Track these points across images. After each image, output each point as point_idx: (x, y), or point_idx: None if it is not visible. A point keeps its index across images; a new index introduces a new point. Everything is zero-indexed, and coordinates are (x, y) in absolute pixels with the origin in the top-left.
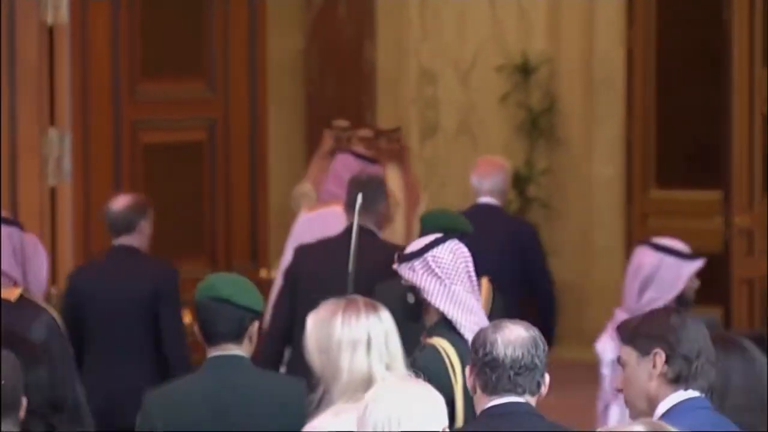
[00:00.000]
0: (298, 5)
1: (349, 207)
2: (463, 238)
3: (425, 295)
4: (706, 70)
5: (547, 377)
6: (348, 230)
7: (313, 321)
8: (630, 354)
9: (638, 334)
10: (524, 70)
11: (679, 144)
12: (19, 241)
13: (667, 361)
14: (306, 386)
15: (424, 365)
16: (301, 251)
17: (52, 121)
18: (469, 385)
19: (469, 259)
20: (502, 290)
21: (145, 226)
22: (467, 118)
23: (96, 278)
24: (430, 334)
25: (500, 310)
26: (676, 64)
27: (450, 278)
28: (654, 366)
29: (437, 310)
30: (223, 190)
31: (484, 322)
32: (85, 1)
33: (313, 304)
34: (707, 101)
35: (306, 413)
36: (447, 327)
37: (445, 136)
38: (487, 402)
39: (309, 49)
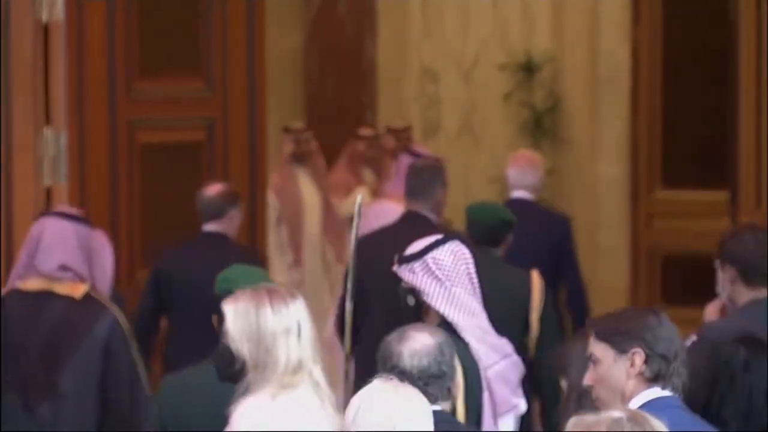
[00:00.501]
0: (297, 3)
1: (409, 194)
2: (509, 229)
3: (425, 298)
4: (713, 69)
5: (459, 379)
6: (403, 218)
7: (235, 310)
8: (606, 352)
9: (615, 332)
10: (528, 69)
11: (686, 144)
12: (87, 237)
13: (645, 361)
14: None
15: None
16: (361, 242)
17: (48, 120)
18: None
19: (470, 260)
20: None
21: (235, 215)
22: (469, 117)
23: (184, 262)
24: None
25: (549, 304)
26: (681, 63)
27: (450, 280)
28: (632, 365)
29: (437, 312)
30: None
31: (485, 324)
32: None
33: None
34: (713, 101)
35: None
36: (447, 330)
37: (447, 136)
38: None
39: (309, 48)
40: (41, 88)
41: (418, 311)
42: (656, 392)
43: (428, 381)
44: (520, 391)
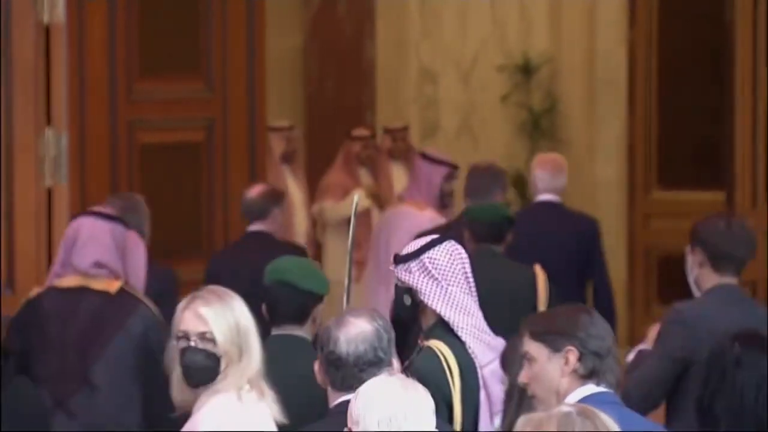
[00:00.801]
0: (297, 4)
1: (470, 195)
2: (510, 225)
3: (422, 297)
4: (709, 70)
5: (395, 365)
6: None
7: (215, 310)
8: (540, 350)
9: (549, 331)
10: (525, 70)
11: (682, 144)
12: (121, 236)
13: (579, 358)
14: None
15: (422, 368)
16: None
17: (49, 120)
18: (320, 381)
19: (467, 260)
20: (566, 285)
21: (278, 214)
22: (468, 118)
23: (231, 262)
24: (427, 337)
25: (555, 298)
26: (678, 64)
27: (447, 280)
28: (566, 363)
29: (434, 312)
30: (221, 191)
31: (481, 323)
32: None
33: None
34: (710, 101)
35: None
36: (444, 329)
37: (446, 136)
38: (337, 398)
39: (308, 48)
40: (42, 88)
41: (414, 310)
42: (591, 389)
43: (363, 367)
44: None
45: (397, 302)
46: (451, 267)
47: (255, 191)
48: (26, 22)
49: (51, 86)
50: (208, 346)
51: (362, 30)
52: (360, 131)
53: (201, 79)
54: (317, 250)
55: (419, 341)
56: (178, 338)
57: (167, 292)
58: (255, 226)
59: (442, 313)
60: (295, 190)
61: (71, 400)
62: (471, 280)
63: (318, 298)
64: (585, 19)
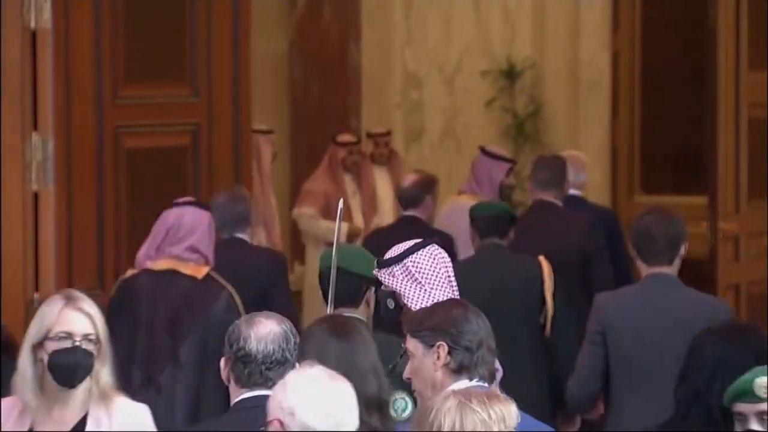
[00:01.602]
0: (282, 8)
1: (539, 185)
2: (513, 221)
3: (405, 301)
4: (691, 76)
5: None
6: (534, 208)
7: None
8: (416, 346)
9: (423, 327)
10: (509, 75)
11: (665, 149)
12: (211, 224)
13: (449, 353)
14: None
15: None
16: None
17: (35, 125)
18: (223, 376)
19: (450, 264)
20: (590, 278)
21: (431, 201)
22: (452, 122)
23: (385, 243)
24: None
25: (559, 289)
26: (661, 70)
27: (430, 283)
28: (438, 357)
29: None
30: (207, 195)
31: None
32: (68, 5)
33: None
34: (692, 107)
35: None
36: None
37: (430, 141)
38: (239, 394)
39: (293, 53)
40: (29, 93)
41: (398, 314)
42: (464, 383)
43: (270, 366)
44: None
45: (381, 306)
46: (434, 270)
47: (409, 180)
48: (13, 28)
49: (37, 91)
50: (90, 347)
51: (347, 35)
52: (345, 137)
53: (186, 84)
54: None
55: (402, 345)
56: (59, 338)
57: None
58: (409, 212)
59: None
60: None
61: (160, 378)
62: (454, 283)
63: (369, 282)
64: (568, 24)
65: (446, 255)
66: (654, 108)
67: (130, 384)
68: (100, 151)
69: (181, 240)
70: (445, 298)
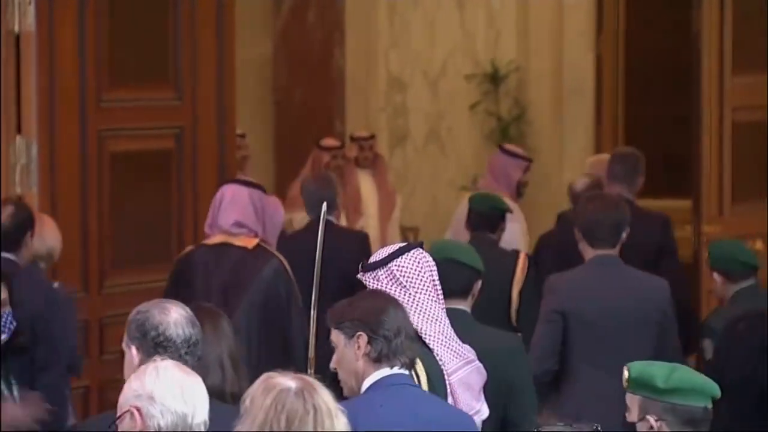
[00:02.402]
0: (266, 12)
1: (613, 179)
2: (503, 216)
3: None
4: (676, 79)
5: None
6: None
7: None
8: (339, 337)
9: (344, 319)
10: (494, 79)
11: (649, 153)
12: (260, 199)
13: (369, 342)
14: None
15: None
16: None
17: (19, 129)
18: (136, 365)
19: (434, 268)
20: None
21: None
22: (436, 126)
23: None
24: None
25: (531, 281)
26: (645, 73)
27: (415, 288)
28: (358, 347)
29: None
30: (191, 199)
31: (449, 330)
32: (52, 8)
33: None
34: (676, 110)
35: (525, 364)
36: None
37: (414, 144)
38: None
39: (277, 57)
40: (13, 97)
41: None
42: (385, 372)
43: (189, 350)
44: (482, 396)
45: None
46: (419, 275)
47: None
48: None
49: (21, 95)
50: None
51: (331, 38)
52: (329, 141)
53: (170, 88)
54: None
55: None
56: None
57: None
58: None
59: (411, 321)
60: None
61: None
62: (438, 287)
63: (479, 274)
64: (553, 28)
65: (430, 259)
66: (638, 111)
67: None
68: (84, 154)
69: (226, 215)
70: (429, 303)
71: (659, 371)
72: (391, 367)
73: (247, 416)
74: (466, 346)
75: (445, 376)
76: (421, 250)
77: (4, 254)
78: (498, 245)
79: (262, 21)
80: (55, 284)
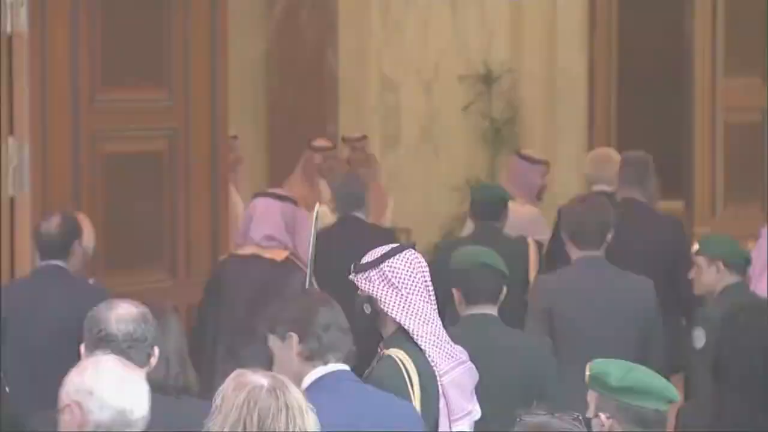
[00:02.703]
0: (259, 13)
1: (626, 183)
2: (505, 205)
3: (382, 306)
4: (669, 80)
5: (156, 349)
6: (622, 204)
7: None
8: (274, 341)
9: (276, 322)
10: (486, 80)
11: None
12: (291, 213)
13: (300, 341)
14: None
15: (381, 376)
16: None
17: (11, 130)
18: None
19: (426, 269)
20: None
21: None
22: (429, 127)
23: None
24: (387, 345)
25: (544, 266)
26: (638, 75)
27: (407, 288)
28: (291, 348)
29: (393, 320)
30: (184, 200)
31: (440, 332)
32: (45, 9)
33: None
34: (669, 111)
35: (551, 366)
36: (404, 337)
37: (407, 145)
38: None
39: (270, 57)
40: (5, 98)
41: (374, 319)
42: (319, 371)
43: (132, 345)
44: (474, 397)
45: (357, 311)
46: (411, 276)
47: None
48: None
49: (13, 96)
50: None
51: (324, 39)
52: (321, 142)
53: (163, 89)
54: None
55: (379, 349)
56: None
57: None
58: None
59: (402, 322)
60: (237, 199)
61: (241, 351)
62: (431, 288)
63: (506, 279)
64: (545, 29)
65: (422, 260)
66: (630, 112)
67: (215, 358)
68: (76, 155)
69: (257, 228)
70: (421, 303)
71: (615, 370)
72: (326, 364)
73: (219, 414)
74: (458, 347)
75: (437, 377)
76: (413, 251)
77: (55, 262)
78: (503, 233)
79: (255, 22)
80: (90, 281)
